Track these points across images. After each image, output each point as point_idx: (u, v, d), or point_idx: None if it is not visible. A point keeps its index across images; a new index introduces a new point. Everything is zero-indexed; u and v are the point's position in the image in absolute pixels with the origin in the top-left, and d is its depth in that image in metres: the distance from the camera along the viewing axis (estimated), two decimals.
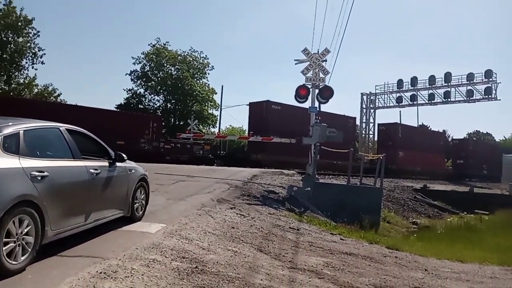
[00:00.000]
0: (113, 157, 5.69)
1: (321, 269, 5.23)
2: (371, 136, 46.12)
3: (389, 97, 43.96)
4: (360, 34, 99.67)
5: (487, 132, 77.06)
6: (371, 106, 45.18)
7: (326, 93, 13.39)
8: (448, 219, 17.77)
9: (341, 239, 7.60)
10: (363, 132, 44.99)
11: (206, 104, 45.72)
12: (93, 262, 4.16)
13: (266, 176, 14.72)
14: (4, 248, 3.50)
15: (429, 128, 59.13)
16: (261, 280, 4.50)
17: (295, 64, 13.81)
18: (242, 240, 6.18)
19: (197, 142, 27.42)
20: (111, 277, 3.79)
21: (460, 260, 7.34)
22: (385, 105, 44.66)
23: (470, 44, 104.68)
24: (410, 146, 37.67)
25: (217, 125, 46.53)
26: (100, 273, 3.85)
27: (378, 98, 44.92)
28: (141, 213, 6.51)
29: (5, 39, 29.70)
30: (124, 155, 5.85)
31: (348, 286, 4.69)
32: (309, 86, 13.47)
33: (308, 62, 13.48)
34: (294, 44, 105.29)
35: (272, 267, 5.05)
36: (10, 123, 4.06)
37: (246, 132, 55.33)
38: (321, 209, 11.81)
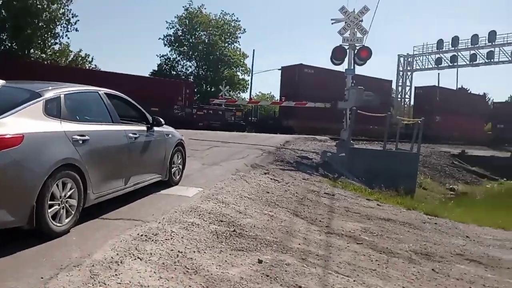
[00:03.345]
0: (151, 122, 5.71)
1: (359, 235, 5.17)
2: (407, 100, 44.76)
3: (428, 59, 42.09)
4: None
5: None
6: (408, 68, 43.47)
7: (364, 54, 12.90)
8: (487, 186, 17.24)
9: (378, 205, 7.48)
10: (399, 96, 43.62)
11: (238, 69, 45.37)
12: (134, 225, 4.25)
13: (299, 142, 14.60)
14: (49, 211, 3.61)
15: (469, 91, 56.59)
16: (299, 244, 4.49)
17: (332, 23, 13.30)
18: (278, 205, 6.18)
19: (229, 109, 27.38)
20: (152, 240, 3.86)
21: (503, 227, 7.09)
22: (423, 67, 42.85)
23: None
24: (447, 111, 36.20)
25: (248, 90, 46.37)
26: (141, 235, 3.92)
27: (416, 60, 43.10)
28: (178, 177, 6.59)
29: (39, 6, 30.07)
30: (161, 119, 5.87)
31: (388, 252, 4.61)
32: (346, 47, 13.00)
33: (345, 22, 12.94)
34: (326, 2, 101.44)
35: (309, 232, 5.03)
36: (50, 88, 4.09)
37: (276, 98, 55.09)
38: (356, 175, 11.65)
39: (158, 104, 21.93)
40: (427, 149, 21.08)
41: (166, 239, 3.96)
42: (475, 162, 20.34)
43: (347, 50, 13.18)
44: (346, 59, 13.40)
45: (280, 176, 8.65)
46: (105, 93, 4.88)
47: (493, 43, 36.20)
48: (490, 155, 22.72)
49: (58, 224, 3.75)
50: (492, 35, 36.08)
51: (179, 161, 6.66)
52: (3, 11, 27.84)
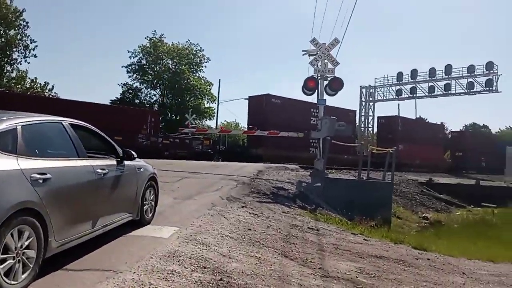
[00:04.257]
0: (121, 155, 5.12)
1: (356, 277, 4.71)
2: (370, 129, 45.82)
3: (389, 90, 43.52)
4: (358, 27, 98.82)
5: (483, 124, 77.08)
6: (370, 99, 44.71)
7: (335, 85, 12.84)
8: (457, 213, 17.43)
9: (364, 239, 7.10)
10: (362, 125, 44.51)
11: (203, 98, 45.05)
12: (104, 277, 3.60)
13: (271, 171, 14.19)
14: (1, 267, 2.93)
15: (427, 121, 58.86)
16: None
17: (303, 55, 13.26)
18: (263, 244, 5.65)
19: (196, 137, 26.78)
20: None
21: (491, 260, 6.88)
22: (385, 98, 44.21)
23: (470, 37, 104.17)
24: (409, 139, 37.19)
25: (214, 118, 46.00)
26: None
27: (378, 91, 44.45)
28: (150, 215, 5.94)
29: None
30: (133, 152, 5.28)
31: None
32: (318, 78, 12.91)
33: (317, 53, 12.90)
34: (291, 38, 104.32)
35: (303, 276, 4.52)
36: (5, 118, 3.45)
37: (241, 125, 55.01)
38: (333, 205, 11.32)
39: (122, 133, 21.05)
40: (395, 178, 21.24)
41: None
42: (442, 189, 20.69)
43: (319, 81, 13.09)
44: (318, 90, 13.27)
45: (258, 209, 8.13)
46: (69, 123, 4.26)
47: (450, 76, 37.93)
48: (456, 182, 23.24)
49: (13, 282, 3.07)
50: (449, 68, 37.84)
51: (152, 197, 6.03)
52: None
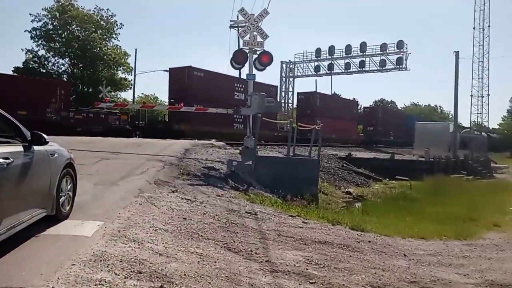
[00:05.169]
0: (29, 139, 4.17)
1: (306, 269, 4.42)
2: (289, 105, 46.70)
3: (308, 66, 44.64)
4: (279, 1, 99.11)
5: (391, 100, 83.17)
6: (290, 74, 45.46)
7: (265, 59, 12.38)
8: (375, 186, 18.33)
9: (303, 222, 6.88)
10: (283, 100, 45.13)
11: (118, 68, 42.04)
12: None
13: (199, 149, 13.51)
14: None
15: (340, 97, 61.61)
16: None
17: (230, 26, 12.99)
18: (202, 236, 5.11)
19: (113, 112, 24.84)
20: None
21: (423, 237, 7.11)
22: (304, 74, 45.28)
23: (383, 16, 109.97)
24: (327, 114, 38.52)
25: (131, 91, 43.44)
26: None
27: (297, 67, 45.31)
28: (68, 208, 5.07)
29: None
30: (44, 135, 4.34)
31: None
32: (247, 51, 12.35)
33: (245, 24, 12.30)
34: (212, 8, 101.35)
35: (251, 273, 4.10)
36: None
37: (160, 99, 52.73)
38: (262, 183, 11.12)
39: (27, 107, 18.78)
40: (315, 153, 21.78)
41: None
42: (360, 163, 21.66)
43: (248, 54, 12.54)
44: (247, 64, 12.74)
45: (191, 193, 7.53)
46: None
47: (364, 53, 39.74)
48: (373, 156, 24.53)
49: None
50: (363, 46, 39.60)
51: (69, 187, 5.14)
52: None
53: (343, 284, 4.09)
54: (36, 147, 4.29)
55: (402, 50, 37.85)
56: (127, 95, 46.05)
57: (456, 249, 6.35)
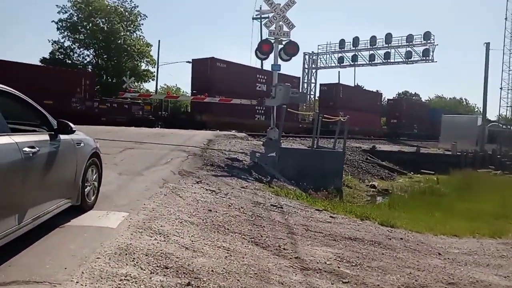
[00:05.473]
0: (55, 128, 4.08)
1: (338, 267, 4.21)
2: (312, 96, 46.12)
3: (331, 57, 43.91)
4: None
5: (415, 93, 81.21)
6: (313, 66, 44.86)
7: (291, 49, 12.09)
8: (400, 180, 17.88)
9: (331, 216, 6.66)
10: (305, 92, 44.58)
11: (142, 60, 42.31)
12: None
13: (221, 140, 13.39)
14: None
15: (364, 88, 60.51)
16: None
17: (255, 16, 12.73)
18: (228, 229, 4.96)
19: (136, 102, 25.01)
20: None
21: (455, 235, 6.79)
22: (327, 65, 44.61)
23: (408, 7, 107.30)
24: (349, 106, 37.84)
25: (153, 82, 43.66)
26: None
27: (320, 58, 44.64)
28: (93, 198, 4.99)
29: None
30: (71, 124, 4.25)
31: None
32: (272, 41, 12.09)
33: (272, 14, 12.02)
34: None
35: (281, 271, 3.92)
36: None
37: (182, 90, 52.90)
38: (286, 176, 10.92)
39: (53, 97, 19.02)
40: (339, 145, 21.39)
41: None
42: (385, 156, 21.17)
43: (273, 44, 12.27)
44: (271, 55, 12.49)
45: (215, 185, 7.40)
46: None
47: (390, 45, 38.76)
48: (397, 150, 23.93)
49: None
50: (389, 37, 38.59)
51: (94, 177, 5.06)
52: None
53: (378, 285, 3.87)
54: (62, 136, 4.20)
55: (429, 41, 36.76)
56: (150, 86, 46.20)
57: (491, 248, 6.02)
